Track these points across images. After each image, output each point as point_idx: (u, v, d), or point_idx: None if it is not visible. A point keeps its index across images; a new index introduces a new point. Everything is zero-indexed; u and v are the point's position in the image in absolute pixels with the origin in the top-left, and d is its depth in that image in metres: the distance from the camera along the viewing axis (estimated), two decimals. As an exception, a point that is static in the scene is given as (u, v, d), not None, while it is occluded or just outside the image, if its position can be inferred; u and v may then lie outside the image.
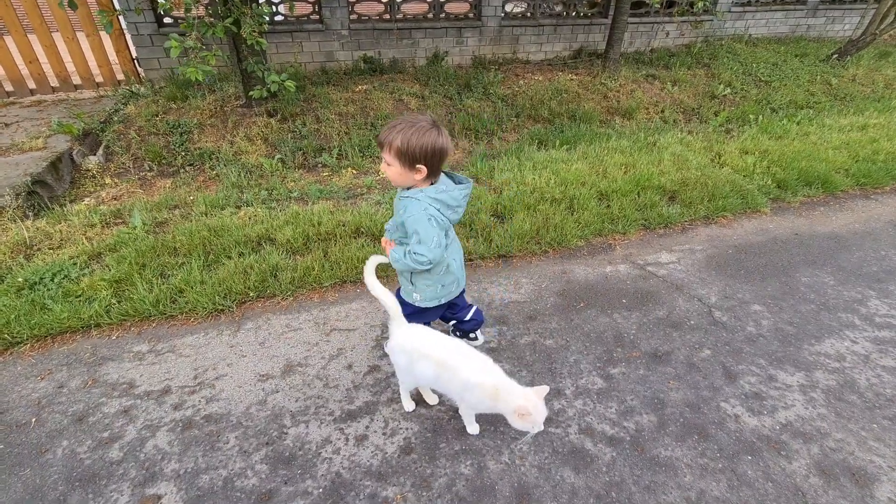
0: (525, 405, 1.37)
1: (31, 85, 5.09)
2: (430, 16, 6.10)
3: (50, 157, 3.75)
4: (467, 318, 1.91)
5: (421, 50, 6.18)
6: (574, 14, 6.71)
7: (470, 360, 1.50)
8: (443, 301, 1.73)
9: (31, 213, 3.19)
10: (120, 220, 3.10)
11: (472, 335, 2.06)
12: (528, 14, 6.46)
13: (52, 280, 2.31)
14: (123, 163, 4.00)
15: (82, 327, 2.10)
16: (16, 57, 4.95)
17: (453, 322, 1.96)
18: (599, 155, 4.00)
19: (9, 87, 5.02)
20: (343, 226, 2.84)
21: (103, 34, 5.11)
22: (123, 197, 3.66)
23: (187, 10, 3.52)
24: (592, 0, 6.77)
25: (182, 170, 4.02)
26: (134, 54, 5.26)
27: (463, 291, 1.82)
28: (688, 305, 2.31)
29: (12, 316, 2.06)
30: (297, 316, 2.24)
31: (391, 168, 1.44)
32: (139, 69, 5.32)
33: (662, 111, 5.48)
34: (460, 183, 1.55)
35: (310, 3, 5.55)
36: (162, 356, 1.99)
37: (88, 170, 3.91)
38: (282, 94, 4.46)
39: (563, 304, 2.33)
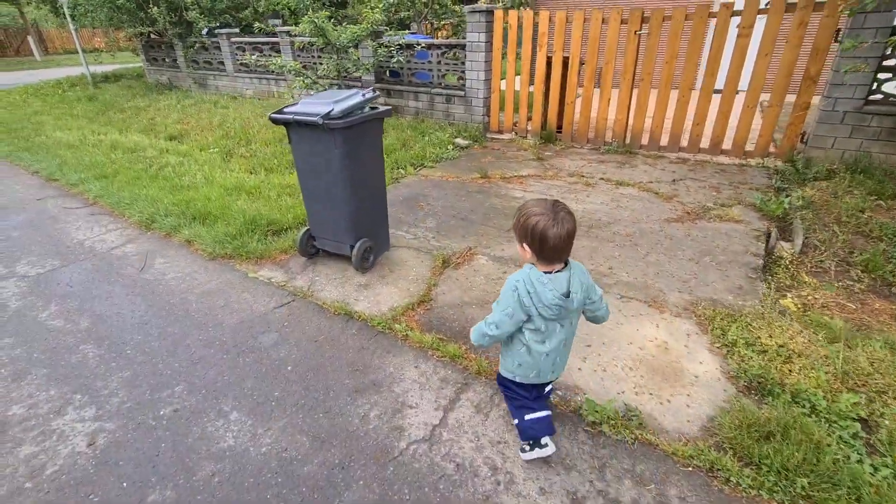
0: None
1: (683, 143, 5.46)
2: None
3: (754, 233, 3.57)
4: (527, 416, 1.76)
5: None
6: None
7: None
8: (517, 379, 1.72)
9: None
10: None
11: (542, 441, 1.75)
12: None
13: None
14: (821, 261, 3.42)
15: None
16: (688, 115, 5.36)
17: None
18: None
19: (664, 142, 5.55)
20: None
21: (786, 107, 4.83)
22: (833, 308, 3.01)
23: None
24: None
25: (905, 295, 3.06)
26: (805, 129, 4.76)
27: (548, 391, 1.86)
28: None
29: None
30: None
31: (517, 243, 1.55)
32: (800, 145, 4.80)
33: None
34: (568, 296, 1.51)
35: None
36: None
37: (781, 257, 3.54)
38: None
39: None
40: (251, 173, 5.57)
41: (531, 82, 6.16)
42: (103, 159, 5.91)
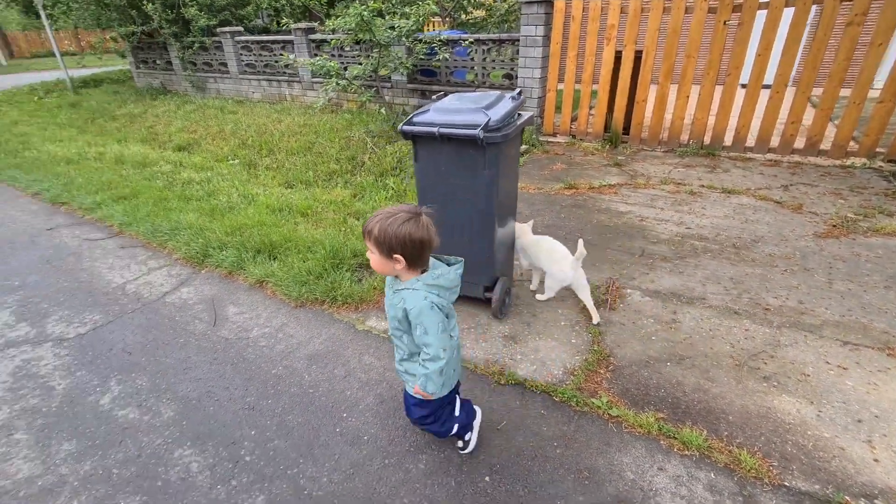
0: None
1: (774, 143, 4.98)
2: None
3: (932, 252, 3.08)
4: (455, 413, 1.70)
5: None
6: None
7: None
8: (445, 392, 1.53)
9: None
10: None
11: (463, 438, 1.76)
12: None
13: None
14: None
15: None
16: (782, 114, 4.89)
17: None
18: None
19: (750, 143, 5.07)
20: None
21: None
22: None
23: None
24: None
25: None
26: (923, 126, 4.34)
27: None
28: None
29: None
30: None
31: (373, 256, 1.41)
32: (914, 143, 4.38)
33: None
34: (452, 264, 1.49)
35: None
36: None
37: (964, 277, 3.06)
38: None
39: None
40: (289, 188, 4.88)
41: (594, 80, 5.62)
42: (113, 176, 5.11)
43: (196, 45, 9.19)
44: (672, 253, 3.15)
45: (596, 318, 2.46)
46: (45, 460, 1.80)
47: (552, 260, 2.53)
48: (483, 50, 6.15)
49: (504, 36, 5.91)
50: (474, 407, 1.82)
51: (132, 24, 9.05)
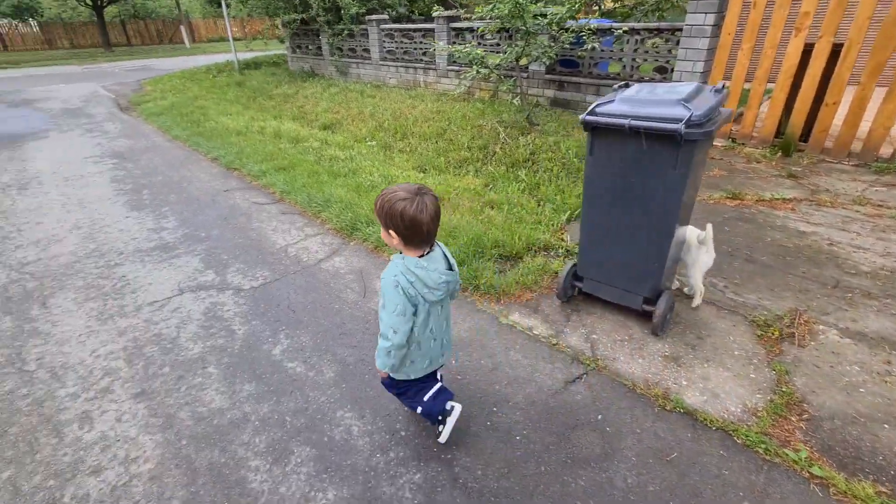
0: None
1: None
2: None
3: None
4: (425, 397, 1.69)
5: None
6: None
7: None
8: (413, 377, 1.63)
9: None
10: None
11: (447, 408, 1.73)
12: None
13: None
14: None
15: None
16: None
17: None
18: None
19: None
20: None
21: None
22: None
23: None
24: None
25: None
26: None
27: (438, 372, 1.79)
28: None
29: None
30: None
31: (381, 228, 1.45)
32: None
33: None
34: (452, 269, 1.50)
35: None
36: None
37: None
38: None
39: None
40: (422, 172, 4.98)
41: (769, 78, 4.88)
42: (273, 149, 5.69)
43: (345, 32, 9.87)
44: (879, 290, 2.59)
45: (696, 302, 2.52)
46: (231, 396, 2.03)
47: (687, 250, 2.44)
48: (636, 40, 5.69)
49: (664, 25, 5.39)
50: (453, 403, 1.74)
51: (294, 11, 10.01)
